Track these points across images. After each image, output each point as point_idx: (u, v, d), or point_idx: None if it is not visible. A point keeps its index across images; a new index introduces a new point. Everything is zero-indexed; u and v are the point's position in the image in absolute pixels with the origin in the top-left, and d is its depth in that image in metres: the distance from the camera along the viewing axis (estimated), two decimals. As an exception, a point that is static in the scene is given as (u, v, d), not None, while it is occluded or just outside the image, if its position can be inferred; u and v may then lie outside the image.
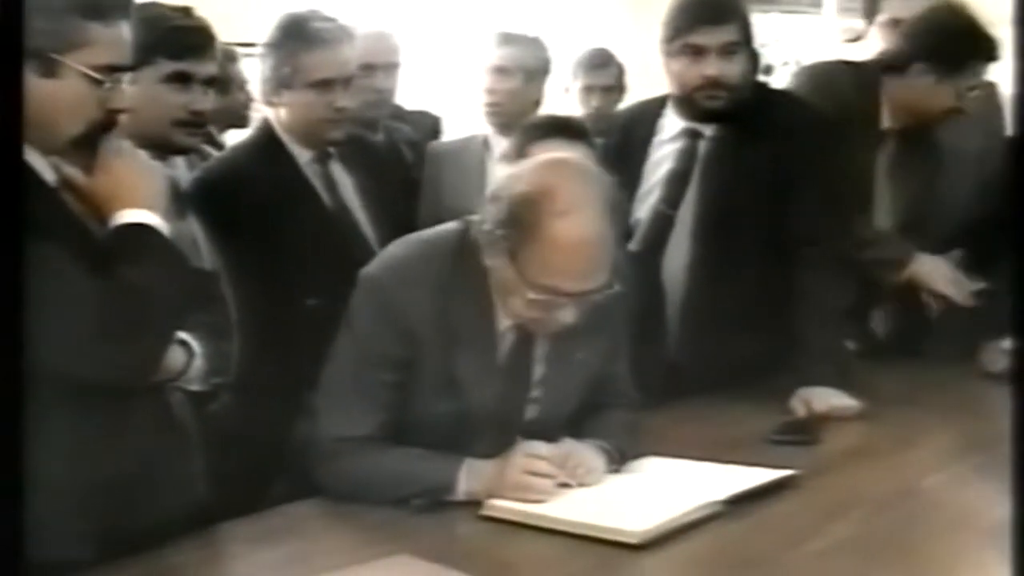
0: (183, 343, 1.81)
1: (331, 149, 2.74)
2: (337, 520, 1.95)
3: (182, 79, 2.29)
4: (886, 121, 3.02)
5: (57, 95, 1.67)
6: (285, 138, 2.71)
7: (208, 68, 2.35)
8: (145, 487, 1.73)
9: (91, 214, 1.75)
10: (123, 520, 1.69)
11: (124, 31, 1.73)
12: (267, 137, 2.74)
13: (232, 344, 2.33)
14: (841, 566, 1.77)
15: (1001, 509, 1.99)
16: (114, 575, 1.64)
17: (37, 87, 1.65)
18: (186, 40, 2.30)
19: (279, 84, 2.67)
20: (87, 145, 1.75)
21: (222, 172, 2.69)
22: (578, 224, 1.88)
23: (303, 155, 2.71)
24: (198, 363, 1.83)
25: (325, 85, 2.64)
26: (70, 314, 1.61)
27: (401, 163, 3.18)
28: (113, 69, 1.72)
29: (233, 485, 2.00)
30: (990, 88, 3.36)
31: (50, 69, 1.66)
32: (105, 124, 1.75)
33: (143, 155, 1.86)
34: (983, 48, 2.94)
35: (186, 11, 2.33)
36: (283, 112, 2.70)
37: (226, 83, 3.31)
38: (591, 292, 1.93)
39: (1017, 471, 1.23)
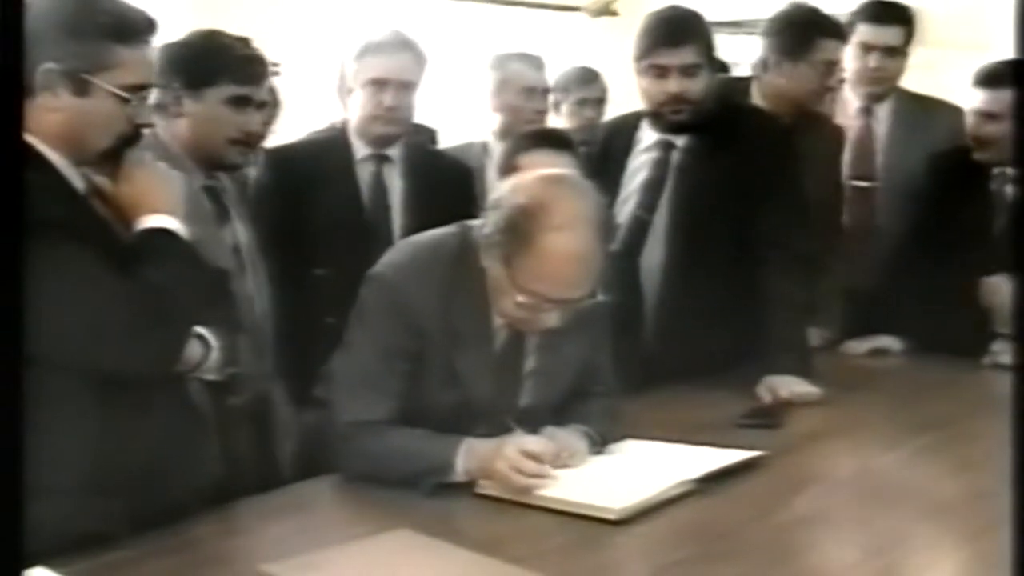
0: (200, 336, 1.82)
1: (391, 154, 2.82)
2: (343, 497, 1.97)
3: (241, 102, 2.34)
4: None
5: (88, 112, 1.70)
6: (351, 134, 2.82)
7: (262, 94, 2.42)
8: (167, 468, 1.74)
9: (117, 219, 1.77)
10: (147, 497, 1.70)
11: (149, 53, 1.76)
12: (336, 130, 2.88)
13: (244, 336, 2.35)
14: (803, 537, 1.80)
15: (944, 484, 2.03)
16: (140, 547, 1.66)
17: (70, 105, 1.68)
18: (248, 68, 2.37)
19: (348, 88, 2.80)
20: (114, 157, 1.77)
21: (284, 148, 2.84)
22: (570, 239, 1.89)
23: (360, 151, 2.81)
24: (214, 355, 1.84)
25: (378, 84, 2.73)
26: (98, 311, 1.63)
27: (467, 177, 3.06)
28: (139, 88, 1.74)
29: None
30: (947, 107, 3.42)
31: (82, 88, 1.68)
32: (131, 138, 1.77)
33: (163, 166, 1.88)
34: (821, 26, 3.07)
35: (246, 42, 2.40)
36: (350, 111, 2.82)
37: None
38: (576, 301, 1.95)
39: (1017, 469, 1.24)
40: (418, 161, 2.87)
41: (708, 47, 2.77)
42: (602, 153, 2.92)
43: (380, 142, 2.81)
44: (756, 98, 3.12)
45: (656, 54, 2.72)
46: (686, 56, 2.71)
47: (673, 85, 2.72)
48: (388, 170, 2.82)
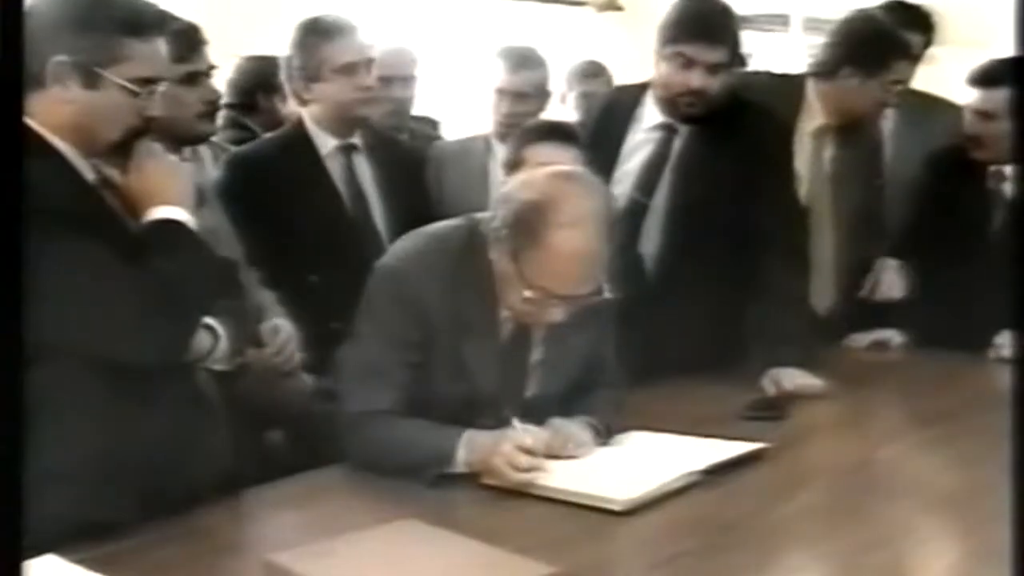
0: (208, 327, 1.81)
1: (356, 142, 2.76)
2: (350, 487, 1.96)
3: (192, 78, 2.35)
4: (823, 119, 3.02)
5: (98, 104, 1.69)
6: (312, 130, 2.74)
7: (207, 61, 2.40)
8: (176, 457, 1.74)
9: (127, 210, 1.76)
10: (157, 486, 1.70)
11: (160, 46, 1.75)
12: (295, 129, 2.78)
13: (252, 327, 2.34)
14: (806, 528, 1.79)
15: (946, 477, 2.02)
16: (149, 536, 1.65)
17: (80, 97, 1.67)
18: (185, 42, 2.35)
19: (308, 79, 2.71)
20: (123, 148, 1.76)
21: (246, 155, 2.75)
22: (578, 237, 1.88)
23: (326, 145, 2.74)
24: (222, 345, 1.83)
25: (350, 68, 2.68)
26: (108, 301, 1.62)
27: (423, 161, 3.11)
28: (148, 81, 1.73)
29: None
30: (947, 105, 3.40)
31: (92, 81, 1.68)
32: (140, 130, 1.76)
33: (172, 157, 1.88)
34: (898, 48, 3.01)
35: (172, 16, 2.37)
36: (315, 106, 2.74)
37: (270, 92, 3.32)
38: (582, 297, 1.94)
39: (1017, 467, 1.23)
40: (378, 146, 2.82)
41: (736, 48, 2.71)
42: (600, 125, 2.84)
43: (356, 125, 2.75)
44: (811, 100, 3.02)
45: (687, 45, 2.63)
46: (717, 55, 2.64)
47: (696, 80, 2.65)
48: (357, 160, 2.77)
